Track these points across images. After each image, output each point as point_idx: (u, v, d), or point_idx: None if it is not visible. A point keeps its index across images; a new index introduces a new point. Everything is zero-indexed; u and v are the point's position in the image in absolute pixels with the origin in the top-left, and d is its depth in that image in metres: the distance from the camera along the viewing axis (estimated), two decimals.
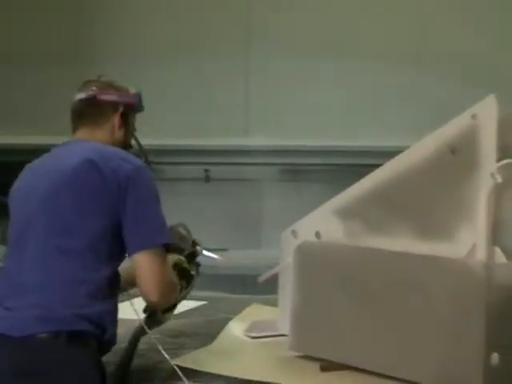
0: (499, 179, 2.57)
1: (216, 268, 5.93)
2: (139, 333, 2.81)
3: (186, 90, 7.14)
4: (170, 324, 3.66)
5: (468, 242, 2.64)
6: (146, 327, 2.75)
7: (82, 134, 2.83)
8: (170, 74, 7.13)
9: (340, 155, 6.93)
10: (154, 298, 2.62)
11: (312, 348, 2.98)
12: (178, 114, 7.12)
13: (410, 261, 2.70)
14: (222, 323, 3.56)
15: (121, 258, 2.70)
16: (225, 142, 7.06)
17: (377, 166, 2.93)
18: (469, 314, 2.52)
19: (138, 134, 2.98)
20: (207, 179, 7.21)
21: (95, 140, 2.78)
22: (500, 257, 2.61)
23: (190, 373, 2.86)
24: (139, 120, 2.97)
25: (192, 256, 3.11)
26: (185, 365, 2.93)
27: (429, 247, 2.71)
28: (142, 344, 2.87)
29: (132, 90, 2.94)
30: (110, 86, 2.88)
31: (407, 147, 2.86)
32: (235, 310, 3.80)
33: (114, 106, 2.85)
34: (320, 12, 7.09)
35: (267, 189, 7.15)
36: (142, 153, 2.92)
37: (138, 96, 2.94)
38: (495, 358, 2.48)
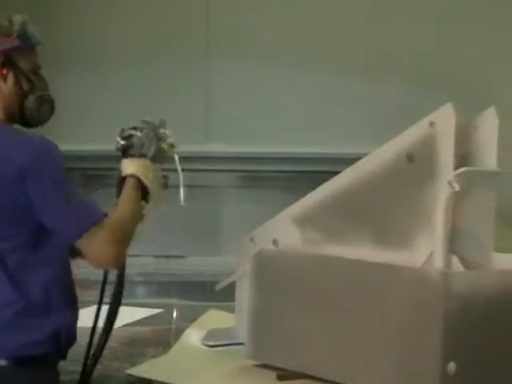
0: (457, 187, 2.57)
1: (173, 275, 5.92)
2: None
3: (144, 96, 7.08)
4: (125, 332, 3.63)
5: (426, 250, 2.63)
6: None
7: None
8: (129, 79, 7.08)
9: (299, 162, 6.91)
10: (112, 265, 2.49)
11: (269, 357, 2.96)
12: (137, 119, 7.06)
13: (368, 269, 2.69)
14: (180, 331, 3.54)
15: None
16: (184, 149, 7.00)
17: (335, 173, 2.92)
18: (426, 322, 2.51)
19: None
20: (166, 186, 7.14)
21: None
22: (457, 265, 2.60)
23: (144, 383, 2.83)
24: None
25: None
26: (139, 374, 2.90)
27: (387, 255, 2.70)
28: None
29: (15, 26, 2.39)
30: None
31: (366, 154, 2.85)
32: (193, 318, 3.77)
33: None
34: (277, 18, 7.08)
35: (226, 195, 7.11)
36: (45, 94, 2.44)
37: (22, 32, 2.39)
38: (452, 367, 2.48)
